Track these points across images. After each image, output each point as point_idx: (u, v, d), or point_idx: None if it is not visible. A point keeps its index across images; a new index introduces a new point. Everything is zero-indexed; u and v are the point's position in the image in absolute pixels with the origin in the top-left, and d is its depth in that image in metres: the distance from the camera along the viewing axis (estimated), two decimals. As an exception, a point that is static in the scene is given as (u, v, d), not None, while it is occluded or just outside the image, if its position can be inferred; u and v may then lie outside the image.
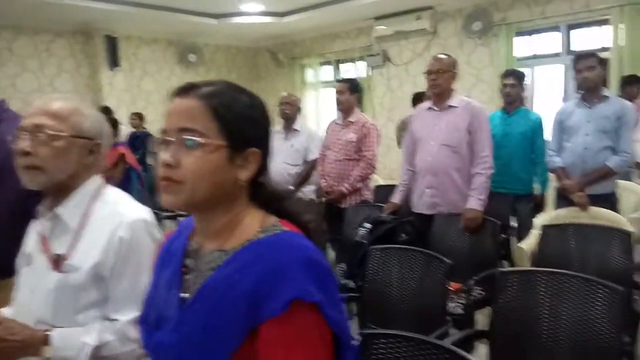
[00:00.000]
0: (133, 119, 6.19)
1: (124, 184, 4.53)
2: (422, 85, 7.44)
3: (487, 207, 3.31)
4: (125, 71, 7.58)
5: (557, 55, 6.18)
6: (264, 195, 0.93)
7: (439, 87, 2.75)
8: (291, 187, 3.66)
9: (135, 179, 4.60)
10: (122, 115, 7.15)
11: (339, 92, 3.35)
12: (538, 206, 3.40)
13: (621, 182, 3.59)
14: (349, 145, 3.31)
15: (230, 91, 0.94)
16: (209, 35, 8.34)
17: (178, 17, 7.03)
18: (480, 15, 6.56)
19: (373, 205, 3.25)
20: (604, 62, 2.92)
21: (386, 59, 7.77)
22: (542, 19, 6.19)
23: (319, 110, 8.88)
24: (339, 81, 3.49)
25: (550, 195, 3.48)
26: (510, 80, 3.48)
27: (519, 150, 3.44)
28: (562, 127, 3.03)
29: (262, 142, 0.91)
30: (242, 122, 0.88)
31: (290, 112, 3.75)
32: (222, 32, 8.17)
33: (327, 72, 8.92)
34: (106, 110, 6.46)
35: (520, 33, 6.44)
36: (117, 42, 7.22)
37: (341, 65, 8.75)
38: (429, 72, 2.77)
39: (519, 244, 2.76)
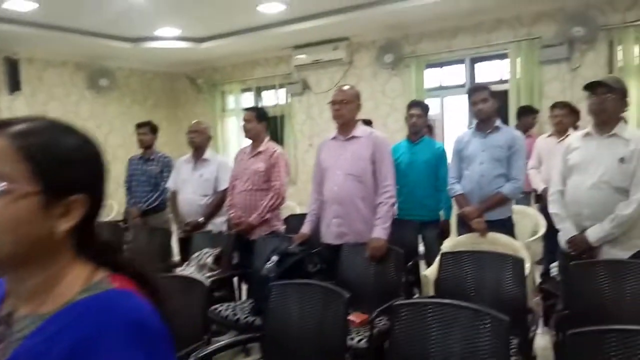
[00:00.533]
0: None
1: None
2: (341, 112, 7.69)
3: (395, 234, 3.41)
4: (27, 96, 7.06)
5: (462, 86, 6.58)
6: (93, 246, 0.82)
7: (342, 117, 2.80)
8: (201, 219, 3.52)
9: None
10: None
11: (245, 121, 3.29)
12: (443, 232, 3.52)
13: (517, 207, 3.83)
14: (257, 175, 3.25)
15: (50, 130, 0.80)
16: (123, 59, 8.03)
17: (88, 40, 6.71)
18: (392, 48, 6.86)
19: (283, 236, 3.19)
20: (496, 94, 3.11)
21: (306, 87, 7.89)
22: (449, 53, 6.59)
23: (240, 137, 8.77)
24: (245, 110, 3.44)
25: (454, 222, 3.63)
26: (416, 111, 3.62)
27: (423, 178, 3.57)
28: (460, 156, 3.18)
29: (90, 188, 0.79)
30: (62, 165, 0.77)
31: (199, 141, 3.63)
32: (136, 56, 7.90)
33: (248, 99, 8.88)
34: None
35: (430, 65, 6.81)
36: (18, 65, 6.72)
37: (262, 93, 8.76)
38: (332, 103, 2.81)
39: (423, 272, 2.82)
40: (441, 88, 6.85)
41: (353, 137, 2.83)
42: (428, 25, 6.59)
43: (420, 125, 3.62)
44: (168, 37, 7.13)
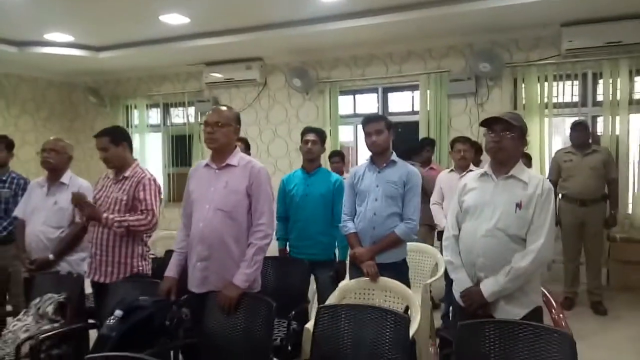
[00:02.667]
0: None
1: None
2: (253, 135, 7.30)
3: (284, 275, 3.04)
4: None
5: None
6: None
7: (215, 142, 2.39)
8: (50, 256, 2.92)
9: None
10: None
11: (100, 149, 2.75)
12: (338, 274, 3.19)
13: (419, 245, 3.61)
14: (118, 205, 2.75)
15: None
16: (9, 65, 7.14)
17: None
18: (306, 71, 6.63)
19: (149, 281, 2.68)
20: (392, 125, 2.87)
21: (217, 105, 7.42)
22: (363, 80, 6.47)
23: (145, 156, 8.11)
24: (96, 136, 2.77)
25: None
26: (310, 137, 3.25)
27: (318, 213, 3.18)
28: (354, 191, 2.90)
29: None
30: None
31: (56, 162, 3.04)
32: (25, 62, 7.06)
33: (154, 115, 8.27)
34: None
35: (344, 92, 6.65)
36: None
37: (171, 109, 8.20)
38: (205, 124, 2.40)
39: (306, 325, 2.45)
40: (355, 115, 6.69)
41: (228, 166, 2.43)
42: (342, 52, 6.45)
43: (315, 152, 3.27)
44: (59, 43, 6.41)
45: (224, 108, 2.45)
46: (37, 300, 2.63)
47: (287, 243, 3.37)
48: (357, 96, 6.77)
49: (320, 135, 3.30)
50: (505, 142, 2.16)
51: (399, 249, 2.82)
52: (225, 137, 2.39)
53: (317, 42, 6.12)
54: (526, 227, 2.10)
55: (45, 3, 4.96)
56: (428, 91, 6.03)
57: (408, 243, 2.91)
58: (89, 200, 2.72)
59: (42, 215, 2.97)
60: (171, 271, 2.46)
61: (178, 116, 8.17)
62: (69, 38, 6.28)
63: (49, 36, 6.13)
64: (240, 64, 6.99)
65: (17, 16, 5.34)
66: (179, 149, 7.97)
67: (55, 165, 3.04)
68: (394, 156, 2.87)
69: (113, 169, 2.82)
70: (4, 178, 3.41)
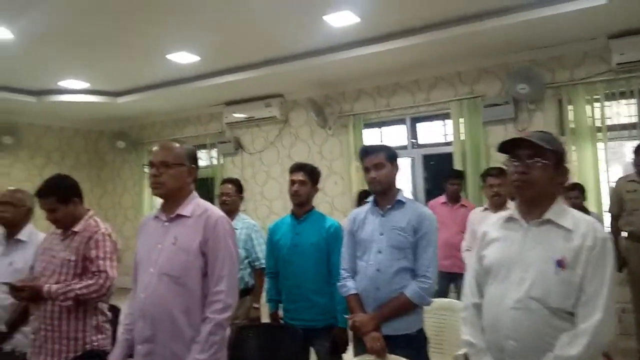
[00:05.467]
0: None
1: None
2: (275, 175, 6.89)
3: (274, 348, 2.45)
4: None
5: (404, 148, 5.88)
6: None
7: (161, 186, 1.88)
8: (1, 328, 2.49)
9: None
10: None
11: (48, 211, 2.29)
12: (338, 344, 2.55)
13: (442, 302, 2.93)
14: (67, 267, 2.28)
15: None
16: (32, 115, 7.16)
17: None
18: (328, 105, 6.20)
19: None
20: (395, 157, 2.30)
21: (239, 146, 7.12)
22: (388, 111, 5.95)
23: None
24: (40, 196, 2.31)
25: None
26: (298, 176, 2.69)
27: (310, 267, 2.58)
28: (354, 240, 2.32)
29: None
30: None
31: (12, 216, 2.65)
32: (47, 111, 7.05)
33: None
34: None
35: (369, 125, 6.15)
36: None
37: (194, 152, 7.94)
38: (150, 165, 1.92)
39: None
40: (382, 150, 6.12)
41: (179, 217, 1.94)
42: (365, 82, 5.99)
43: (303, 194, 2.68)
44: (75, 90, 6.33)
45: (174, 145, 1.97)
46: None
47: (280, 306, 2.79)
48: (383, 128, 6.23)
49: (310, 173, 2.74)
50: (535, 173, 1.55)
51: (412, 316, 2.19)
52: (174, 180, 1.90)
53: (337, 73, 5.70)
54: (574, 295, 1.46)
55: (54, 50, 4.83)
56: (461, 119, 5.41)
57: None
58: (21, 282, 2.28)
59: (-4, 278, 2.56)
60: (115, 355, 1.95)
61: (201, 159, 7.90)
62: (85, 85, 6.18)
63: (64, 83, 6.05)
64: (260, 102, 6.68)
65: (30, 64, 5.26)
66: (203, 192, 7.64)
67: (10, 220, 2.66)
68: (401, 195, 2.28)
69: (64, 228, 2.37)
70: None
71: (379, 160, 2.23)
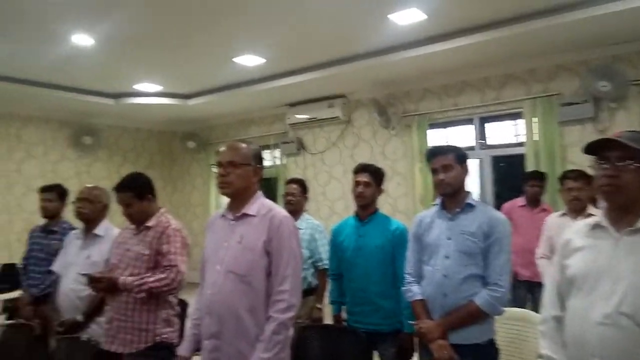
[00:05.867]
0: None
1: None
2: (337, 175, 6.87)
3: (337, 351, 2.42)
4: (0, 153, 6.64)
5: (471, 148, 5.66)
6: None
7: (229, 185, 1.89)
8: (79, 317, 2.64)
9: None
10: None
11: (125, 205, 2.42)
12: (404, 350, 2.48)
13: (521, 312, 2.76)
14: (140, 261, 2.35)
15: None
16: (109, 116, 7.62)
17: (68, 95, 6.32)
18: (392, 105, 6.10)
19: (172, 353, 2.27)
20: (465, 159, 2.19)
21: (301, 146, 7.18)
22: (455, 111, 5.75)
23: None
24: (118, 191, 2.44)
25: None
26: (362, 177, 2.62)
27: (376, 270, 2.52)
28: (420, 244, 2.24)
29: None
30: None
31: (90, 212, 2.82)
32: (123, 113, 7.47)
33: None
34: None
35: (434, 125, 5.97)
36: (-13, 121, 6.34)
37: (258, 153, 8.11)
38: (217, 164, 1.96)
39: None
40: (448, 150, 5.93)
41: (244, 216, 1.94)
42: (430, 81, 5.83)
43: (368, 196, 2.62)
44: (149, 93, 6.66)
45: (241, 145, 1.99)
46: (56, 369, 2.33)
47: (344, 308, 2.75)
48: (449, 129, 6.03)
49: (375, 174, 2.68)
50: (626, 177, 1.41)
51: (483, 326, 2.08)
52: (241, 179, 1.92)
53: (402, 72, 5.59)
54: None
55: (130, 55, 5.10)
56: (534, 118, 5.13)
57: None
58: (98, 273, 2.42)
59: (74, 271, 2.73)
60: (184, 349, 2.00)
61: (265, 159, 8.03)
62: (158, 87, 6.48)
63: (139, 86, 6.37)
64: (323, 103, 6.69)
65: (109, 69, 5.58)
66: (266, 191, 7.78)
67: (88, 215, 2.82)
68: (470, 198, 2.18)
69: (136, 224, 2.48)
70: (55, 229, 3.30)
71: (448, 162, 2.14)
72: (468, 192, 2.20)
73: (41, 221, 3.46)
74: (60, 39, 4.49)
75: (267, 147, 7.64)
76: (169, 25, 4.32)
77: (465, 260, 2.07)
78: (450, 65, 5.34)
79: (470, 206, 2.15)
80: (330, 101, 6.62)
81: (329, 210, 6.84)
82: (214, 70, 5.77)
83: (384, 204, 6.04)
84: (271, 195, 7.62)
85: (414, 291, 2.21)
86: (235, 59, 5.30)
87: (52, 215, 3.33)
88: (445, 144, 2.31)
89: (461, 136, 5.86)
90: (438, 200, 2.26)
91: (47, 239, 3.28)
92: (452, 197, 2.17)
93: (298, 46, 4.98)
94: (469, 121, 5.77)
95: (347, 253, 2.64)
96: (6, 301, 4.72)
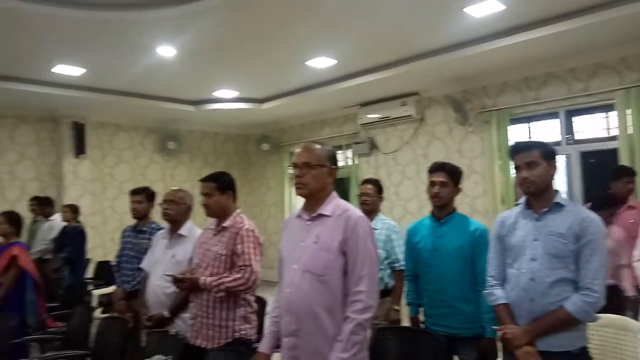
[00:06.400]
0: (65, 211, 5.57)
1: (17, 293, 3.81)
2: (411, 174, 6.74)
3: (415, 354, 2.37)
4: (94, 159, 7.23)
5: (557, 144, 5.31)
6: None
7: (305, 186, 1.92)
8: (165, 313, 2.80)
9: (30, 288, 3.85)
10: (87, 205, 6.70)
11: (205, 195, 2.56)
12: (486, 356, 2.36)
13: (617, 319, 2.54)
14: (218, 260, 2.45)
15: None
16: (190, 122, 8.03)
17: (153, 104, 6.76)
18: (468, 101, 5.88)
19: (251, 349, 2.34)
20: (552, 155, 2.05)
21: (373, 146, 7.13)
22: (538, 105, 5.43)
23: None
24: (203, 180, 2.59)
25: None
26: (438, 177, 2.54)
27: (454, 273, 2.43)
28: (503, 246, 2.12)
29: None
30: None
31: (175, 213, 2.97)
32: (203, 119, 7.84)
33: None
34: (46, 201, 5.97)
35: (515, 120, 5.68)
36: (84, 129, 6.92)
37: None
38: (293, 166, 1.99)
39: None
40: (530, 147, 5.60)
41: (320, 216, 1.94)
42: (510, 74, 5.56)
43: (445, 196, 2.52)
44: (227, 99, 6.95)
45: (316, 146, 2.00)
46: (147, 361, 2.48)
47: (421, 310, 2.68)
48: (532, 124, 5.70)
49: (451, 173, 2.58)
50: None
51: (574, 332, 1.93)
52: (316, 180, 1.94)
53: (478, 66, 5.38)
54: None
55: (209, 63, 5.34)
56: (628, 110, 4.71)
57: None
58: (181, 274, 2.55)
59: (161, 269, 2.90)
60: (264, 346, 2.05)
61: (338, 159, 8.09)
62: (235, 93, 6.74)
63: (218, 93, 6.66)
64: (395, 101, 6.60)
65: (190, 77, 5.89)
66: (339, 192, 7.79)
67: (173, 216, 2.98)
68: (559, 197, 2.03)
69: (211, 217, 2.60)
70: (144, 229, 3.52)
71: (532, 158, 2.01)
72: (556, 191, 2.05)
73: (132, 222, 3.72)
74: (146, 51, 4.80)
75: (339, 147, 7.66)
76: (244, 33, 4.47)
77: (553, 263, 1.94)
78: (531, 57, 5.05)
79: (559, 206, 2.01)
80: (403, 99, 6.51)
81: (402, 211, 6.73)
82: (286, 74, 5.89)
83: (461, 204, 5.81)
84: (343, 195, 7.65)
85: (497, 295, 2.10)
86: (308, 62, 5.37)
87: (141, 216, 3.57)
88: (531, 139, 2.16)
89: (546, 131, 5.52)
90: (522, 200, 2.14)
91: (137, 238, 3.51)
92: (538, 196, 2.04)
93: (370, 45, 4.95)
94: (553, 115, 5.42)
95: (423, 254, 2.57)
96: (101, 296, 5.08)
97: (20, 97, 5.96)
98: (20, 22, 4.00)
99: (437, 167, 2.59)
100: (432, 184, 2.56)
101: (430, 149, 6.46)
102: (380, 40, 4.77)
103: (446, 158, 6.12)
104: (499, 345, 2.22)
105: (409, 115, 6.47)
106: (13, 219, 3.92)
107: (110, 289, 5.17)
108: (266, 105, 7.16)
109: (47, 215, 5.87)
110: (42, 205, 5.92)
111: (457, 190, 2.59)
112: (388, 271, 3.28)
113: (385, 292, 3.18)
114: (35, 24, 4.05)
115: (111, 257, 6.53)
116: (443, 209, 2.57)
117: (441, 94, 6.22)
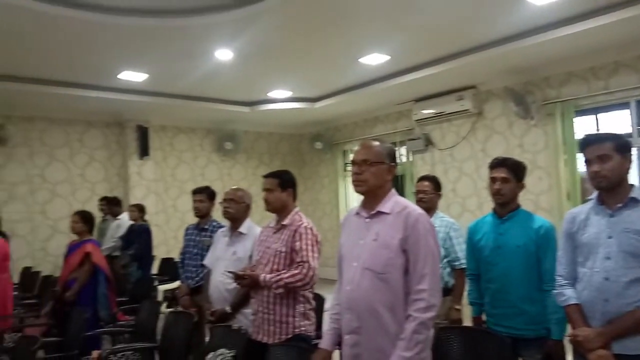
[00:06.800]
0: (132, 210, 5.89)
1: (90, 287, 4.05)
2: (469, 171, 6.56)
3: (478, 355, 2.30)
4: (156, 160, 7.56)
5: (628, 136, 4.99)
6: None
7: (363, 183, 1.91)
8: (227, 308, 2.88)
9: (102, 282, 4.09)
10: (151, 205, 7.02)
11: (266, 190, 2.62)
12: (549, 357, 2.24)
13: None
14: (279, 257, 2.50)
15: None
16: (246, 123, 8.21)
17: (211, 106, 6.97)
18: (529, 93, 5.64)
19: (310, 345, 2.36)
20: (626, 148, 1.92)
21: (428, 142, 6.99)
22: (606, 95, 5.12)
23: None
24: (266, 176, 2.68)
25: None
26: (500, 173, 2.44)
27: (517, 272, 2.33)
28: (573, 244, 2.02)
29: None
30: None
31: (235, 211, 3.05)
32: (258, 119, 8.00)
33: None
34: (114, 201, 6.30)
35: (581, 111, 5.39)
36: (147, 132, 7.25)
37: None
38: (352, 163, 1.99)
39: None
40: (598, 139, 5.30)
41: (379, 214, 1.93)
42: (574, 63, 5.28)
43: (507, 193, 2.42)
44: (280, 99, 7.05)
45: (375, 143, 1.99)
46: (211, 355, 2.57)
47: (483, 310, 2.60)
48: (600, 115, 5.39)
49: (514, 169, 2.47)
50: None
51: (655, 336, 1.81)
52: (375, 177, 1.93)
53: (540, 56, 5.14)
54: None
55: (264, 65, 5.44)
56: None
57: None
58: (242, 271, 2.63)
59: (222, 266, 2.99)
60: (325, 342, 2.06)
61: (392, 157, 8.01)
62: (288, 93, 6.82)
63: (272, 93, 6.77)
64: (451, 96, 6.44)
65: (245, 79, 6.02)
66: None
67: (233, 214, 3.06)
68: (636, 192, 1.91)
69: (271, 212, 2.65)
70: (206, 227, 3.65)
71: (604, 151, 1.90)
72: (632, 185, 1.93)
73: (193, 220, 3.85)
74: (205, 55, 4.95)
75: (393, 144, 7.56)
76: (298, 34, 4.52)
77: (630, 262, 1.82)
78: (598, 45, 4.77)
79: (635, 201, 1.89)
80: (459, 93, 6.34)
81: (460, 208, 6.57)
82: (340, 73, 5.90)
83: (524, 201, 5.54)
84: (398, 193, 7.56)
85: (567, 295, 2.00)
86: (361, 60, 5.35)
87: (203, 214, 3.69)
88: (603, 131, 2.04)
89: (615, 123, 5.20)
90: (594, 195, 2.03)
91: (199, 236, 3.64)
92: (611, 191, 1.92)
93: (424, 39, 4.85)
94: (624, 105, 5.10)
95: (484, 252, 2.49)
96: (166, 291, 5.27)
97: (90, 103, 6.32)
98: (90, 32, 4.24)
99: (498, 163, 2.50)
100: (493, 180, 2.47)
101: (489, 144, 6.26)
102: (435, 33, 4.67)
103: (506, 153, 5.96)
104: (568, 347, 2.12)
105: (466, 110, 6.30)
106: (86, 217, 4.17)
107: (174, 284, 5.41)
108: (319, 104, 7.20)
109: (115, 215, 6.22)
110: (111, 205, 6.28)
111: (520, 186, 2.49)
112: (448, 269, 3.21)
113: (445, 291, 3.10)
114: (103, 34, 4.29)
115: (174, 254, 6.85)
116: (505, 206, 2.47)
117: (500, 86, 6.01)
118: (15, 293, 4.93)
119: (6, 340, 3.82)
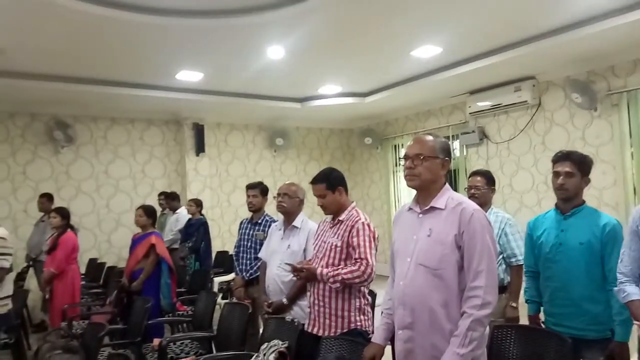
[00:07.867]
0: (190, 205, 6.12)
1: (154, 277, 4.27)
2: (526, 165, 6.32)
3: (536, 355, 2.24)
4: (211, 157, 7.80)
5: None
6: None
7: (416, 178, 1.90)
8: (284, 300, 2.95)
9: (166, 272, 4.30)
10: (206, 200, 7.26)
11: (318, 196, 2.63)
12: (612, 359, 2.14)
13: None
14: (334, 251, 2.51)
15: None
16: (296, 119, 8.30)
17: (263, 103, 7.10)
18: (593, 83, 5.36)
19: (367, 339, 2.37)
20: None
21: (483, 136, 6.80)
22: (680, 82, 4.78)
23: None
24: (312, 183, 2.68)
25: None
26: (564, 167, 2.34)
27: (580, 270, 2.25)
28: (639, 242, 1.90)
29: None
30: None
31: (288, 206, 3.10)
32: (308, 115, 8.08)
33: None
34: (172, 196, 6.56)
35: (651, 100, 5.07)
36: (203, 130, 7.50)
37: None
38: (405, 157, 1.97)
39: None
40: (671, 131, 4.99)
41: (433, 209, 1.91)
42: (643, 50, 4.95)
43: (570, 188, 2.32)
44: (331, 95, 7.07)
45: (429, 138, 1.97)
46: (265, 346, 2.64)
47: (541, 308, 2.52)
48: (672, 104, 5.04)
49: (579, 163, 2.36)
50: None
51: None
52: (428, 172, 1.90)
53: (604, 44, 4.87)
54: None
55: (314, 61, 5.48)
56: None
57: None
58: (300, 264, 2.67)
59: (277, 259, 3.06)
60: (378, 337, 2.07)
61: (445, 151, 7.85)
62: (338, 89, 6.84)
63: (322, 89, 6.80)
64: (508, 87, 6.23)
65: (296, 76, 6.09)
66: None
67: (287, 209, 3.12)
68: None
69: (331, 214, 2.68)
70: (259, 221, 3.74)
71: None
72: None
73: (246, 214, 3.95)
74: (258, 53, 5.05)
75: (446, 138, 7.41)
76: (349, 29, 4.51)
77: None
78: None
79: None
80: (517, 84, 6.12)
81: (518, 203, 6.35)
82: (390, 66, 5.84)
83: (586, 196, 5.30)
84: (453, 187, 7.41)
85: (628, 291, 1.91)
86: (413, 52, 5.27)
87: (257, 209, 3.79)
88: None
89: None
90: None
91: (253, 230, 3.74)
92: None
93: (479, 30, 4.71)
94: (700, 93, 4.74)
95: (545, 249, 2.40)
96: (221, 283, 5.43)
97: (150, 102, 6.62)
98: (153, 35, 4.42)
99: (562, 157, 2.39)
100: (556, 174, 2.38)
101: (549, 137, 6.00)
102: (490, 23, 4.52)
103: (568, 146, 5.70)
104: (633, 349, 2.02)
105: (524, 102, 6.06)
106: (149, 211, 4.39)
107: (229, 276, 5.58)
108: (370, 99, 7.16)
109: (173, 209, 6.50)
110: (169, 200, 6.56)
111: (585, 181, 2.37)
112: (503, 266, 3.12)
113: (500, 289, 3.03)
114: (165, 36, 4.46)
115: (228, 248, 7.06)
116: (569, 202, 2.37)
117: (561, 76, 5.75)
118: (83, 283, 5.27)
119: (75, 327, 4.09)
